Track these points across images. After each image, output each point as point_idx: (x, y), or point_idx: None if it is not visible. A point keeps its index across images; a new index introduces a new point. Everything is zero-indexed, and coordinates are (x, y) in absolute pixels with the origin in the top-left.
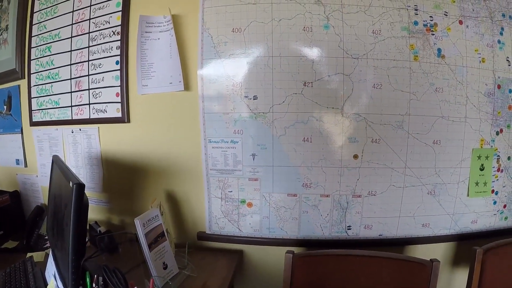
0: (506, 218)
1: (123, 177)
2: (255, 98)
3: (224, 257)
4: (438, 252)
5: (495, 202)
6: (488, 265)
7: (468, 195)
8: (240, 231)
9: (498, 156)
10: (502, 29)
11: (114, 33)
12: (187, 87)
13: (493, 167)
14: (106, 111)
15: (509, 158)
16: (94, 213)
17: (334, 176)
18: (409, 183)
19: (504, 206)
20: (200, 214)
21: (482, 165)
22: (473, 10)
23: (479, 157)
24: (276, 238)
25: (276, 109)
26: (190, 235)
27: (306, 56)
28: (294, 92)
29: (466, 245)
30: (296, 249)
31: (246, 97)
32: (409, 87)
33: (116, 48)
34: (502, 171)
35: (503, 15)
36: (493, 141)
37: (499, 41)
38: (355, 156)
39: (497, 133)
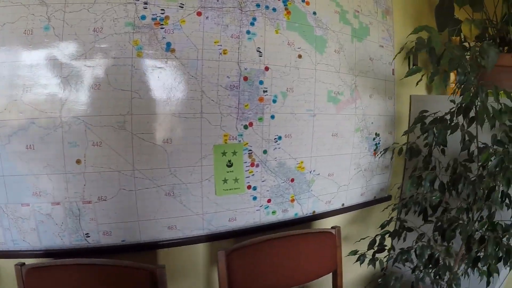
0: (274, 212)
1: None
2: None
3: None
4: (197, 253)
5: (255, 198)
6: (236, 266)
7: (216, 194)
8: None
9: (250, 150)
10: (254, 19)
11: None
12: None
13: (246, 162)
14: None
15: (265, 151)
16: None
17: (61, 183)
18: (142, 186)
19: (269, 201)
20: None
21: (230, 161)
22: (218, 0)
23: (224, 153)
24: (21, 250)
25: None
26: None
27: (25, 61)
28: (14, 99)
29: (229, 243)
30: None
31: None
32: (130, 86)
33: None
34: (258, 165)
35: (258, 5)
36: (241, 135)
37: (248, 32)
38: (78, 161)
39: (246, 127)
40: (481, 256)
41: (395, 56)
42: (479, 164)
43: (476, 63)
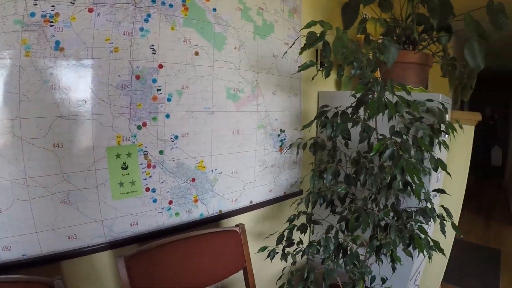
0: (177, 214)
1: None
2: None
3: None
4: (102, 262)
5: (155, 200)
6: (137, 272)
7: (113, 198)
8: None
9: (146, 151)
10: (149, 15)
11: None
12: None
13: (141, 164)
14: None
15: (161, 152)
16: None
17: None
18: (35, 194)
19: (170, 202)
20: None
21: (125, 163)
22: None
23: (118, 156)
24: None
25: None
26: None
27: None
28: None
29: (135, 249)
30: None
31: None
32: (18, 88)
33: None
34: (155, 166)
35: (153, 1)
36: (135, 136)
37: (141, 29)
38: None
39: (139, 127)
40: (383, 243)
41: (301, 52)
42: (371, 154)
43: (375, 58)
